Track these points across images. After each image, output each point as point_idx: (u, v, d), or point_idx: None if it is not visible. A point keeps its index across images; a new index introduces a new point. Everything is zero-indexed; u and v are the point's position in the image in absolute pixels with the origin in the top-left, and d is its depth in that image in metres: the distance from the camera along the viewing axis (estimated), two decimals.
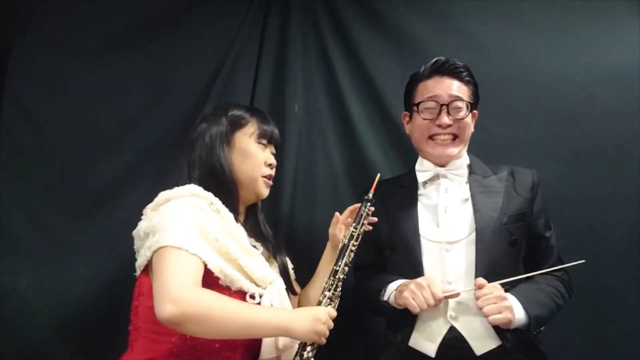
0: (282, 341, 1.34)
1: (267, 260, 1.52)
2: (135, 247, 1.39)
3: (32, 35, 1.84)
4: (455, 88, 1.55)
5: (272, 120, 1.58)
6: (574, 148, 1.89)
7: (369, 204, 1.49)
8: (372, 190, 1.50)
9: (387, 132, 1.99)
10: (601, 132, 1.89)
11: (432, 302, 1.38)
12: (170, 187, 1.40)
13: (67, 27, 1.87)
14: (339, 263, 1.43)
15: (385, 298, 1.51)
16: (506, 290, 1.41)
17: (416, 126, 1.61)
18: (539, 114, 1.93)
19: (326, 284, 1.42)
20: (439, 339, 1.43)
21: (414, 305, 1.40)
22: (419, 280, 1.43)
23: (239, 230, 1.41)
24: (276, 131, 1.57)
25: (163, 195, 1.37)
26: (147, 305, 1.26)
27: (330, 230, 1.60)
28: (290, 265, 1.62)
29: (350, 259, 1.45)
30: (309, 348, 1.32)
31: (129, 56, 1.93)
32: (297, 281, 1.65)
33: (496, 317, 1.35)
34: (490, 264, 1.44)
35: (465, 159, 1.61)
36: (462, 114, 1.55)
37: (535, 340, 1.49)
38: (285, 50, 2.03)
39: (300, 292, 1.62)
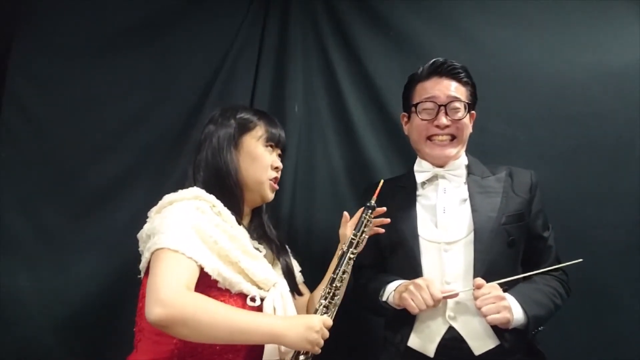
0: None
1: (272, 262, 1.52)
2: (140, 249, 1.40)
3: (32, 35, 1.84)
4: (453, 89, 1.55)
5: (279, 124, 1.58)
6: (574, 148, 1.89)
7: (370, 211, 1.47)
8: (374, 197, 1.48)
9: (387, 132, 1.99)
10: (601, 132, 1.89)
11: (431, 302, 1.38)
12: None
13: (67, 27, 1.87)
14: (337, 271, 1.42)
15: (384, 298, 1.51)
16: (505, 291, 1.41)
17: (414, 127, 1.61)
18: (538, 114, 1.93)
19: (323, 291, 1.41)
20: (438, 339, 1.43)
21: (413, 306, 1.40)
22: (418, 281, 1.43)
23: (241, 233, 1.40)
24: (283, 134, 1.57)
25: (167, 198, 1.38)
26: None
27: (341, 231, 1.58)
28: (297, 268, 1.62)
29: (349, 267, 1.44)
30: (302, 357, 1.31)
31: (129, 56, 1.93)
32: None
33: (495, 317, 1.35)
34: (489, 264, 1.44)
35: (463, 160, 1.61)
36: (460, 114, 1.55)
37: (534, 340, 1.49)
38: (285, 51, 2.03)
39: (309, 296, 1.61)
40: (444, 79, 1.56)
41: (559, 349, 1.60)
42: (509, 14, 1.99)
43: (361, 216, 1.48)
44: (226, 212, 1.39)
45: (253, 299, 1.33)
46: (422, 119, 1.57)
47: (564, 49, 1.95)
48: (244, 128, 1.51)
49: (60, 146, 1.84)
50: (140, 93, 1.93)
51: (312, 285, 1.63)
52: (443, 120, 1.54)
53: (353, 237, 1.45)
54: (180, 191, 1.38)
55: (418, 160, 1.66)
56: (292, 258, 1.61)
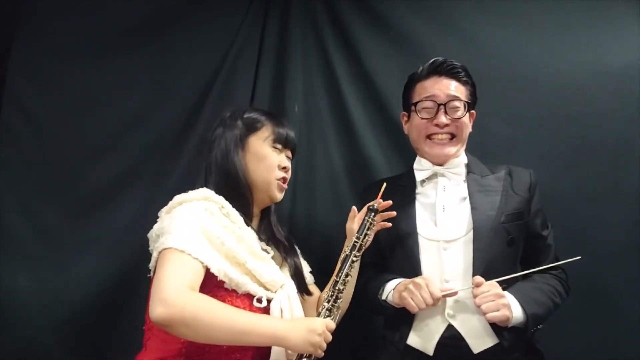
0: None
1: (281, 263, 1.52)
2: (150, 248, 1.40)
3: (32, 35, 1.84)
4: (452, 88, 1.56)
5: (288, 124, 1.58)
6: (574, 148, 1.89)
7: (373, 213, 1.47)
8: (378, 200, 1.47)
9: (387, 132, 1.99)
10: (601, 132, 1.89)
11: (430, 301, 1.39)
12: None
13: (67, 27, 1.87)
14: (340, 274, 1.41)
15: (383, 297, 1.52)
16: (504, 289, 1.41)
17: (414, 126, 1.62)
18: (538, 114, 1.93)
19: (326, 294, 1.41)
20: (437, 337, 1.43)
21: (412, 305, 1.40)
22: (417, 279, 1.43)
23: (249, 234, 1.41)
24: (292, 135, 1.57)
25: (177, 198, 1.40)
26: None
27: (348, 225, 1.56)
28: (307, 268, 1.62)
29: (352, 270, 1.43)
30: None
31: (129, 56, 1.93)
32: None
33: (494, 315, 1.36)
34: (488, 263, 1.44)
35: (463, 158, 1.61)
36: (459, 113, 1.56)
37: (533, 339, 1.49)
38: (285, 50, 2.03)
39: (318, 296, 1.60)
40: (444, 78, 1.57)
41: (558, 348, 1.60)
42: (509, 13, 2.00)
43: (364, 219, 1.47)
44: (235, 214, 1.40)
45: (259, 300, 1.34)
46: (422, 118, 1.58)
47: (564, 49, 1.95)
48: (251, 129, 1.51)
49: (60, 146, 1.83)
50: (140, 93, 1.93)
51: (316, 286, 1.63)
52: (442, 119, 1.55)
53: (356, 240, 1.45)
54: (190, 192, 1.40)
55: (418, 158, 1.66)
56: (301, 259, 1.61)
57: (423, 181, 1.61)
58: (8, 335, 1.70)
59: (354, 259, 1.43)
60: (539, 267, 1.49)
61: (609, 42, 1.94)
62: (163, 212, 1.41)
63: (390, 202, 1.50)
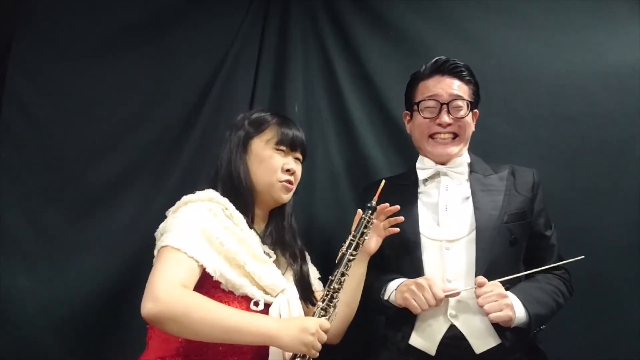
0: None
1: (286, 268, 1.51)
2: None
3: (32, 35, 1.84)
4: (455, 87, 1.55)
5: (296, 126, 1.57)
6: (574, 148, 1.89)
7: (370, 211, 1.43)
8: (375, 198, 1.43)
9: (387, 131, 1.99)
10: (601, 132, 1.89)
11: (433, 302, 1.39)
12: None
13: (67, 27, 1.87)
14: (335, 273, 1.38)
15: (385, 297, 1.51)
16: (506, 289, 1.41)
17: (417, 125, 1.61)
18: (539, 114, 1.93)
19: (321, 293, 1.39)
20: (439, 337, 1.43)
21: (415, 306, 1.40)
22: (420, 280, 1.43)
23: (251, 236, 1.40)
24: (299, 136, 1.54)
25: (184, 198, 1.41)
26: None
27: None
28: (315, 274, 1.61)
29: (348, 269, 1.40)
30: None
31: (129, 56, 1.92)
32: None
33: (497, 315, 1.36)
34: (491, 263, 1.44)
35: (465, 158, 1.61)
36: (462, 112, 1.55)
37: (535, 339, 1.49)
38: (285, 50, 2.03)
39: None
40: (447, 77, 1.56)
41: (559, 348, 1.60)
42: (510, 13, 2.00)
43: (361, 217, 1.44)
44: (238, 215, 1.40)
45: (256, 303, 1.33)
46: (425, 117, 1.57)
47: (564, 49, 1.95)
48: (255, 131, 1.51)
49: (60, 146, 1.83)
50: (140, 93, 1.93)
51: None
52: (445, 118, 1.54)
53: (352, 238, 1.42)
54: (197, 192, 1.41)
55: (420, 157, 1.66)
56: (310, 266, 1.59)
57: (425, 180, 1.61)
58: (8, 335, 1.70)
59: (350, 257, 1.40)
60: (541, 267, 1.49)
61: (609, 42, 1.94)
62: (170, 212, 1.42)
63: (398, 207, 1.47)
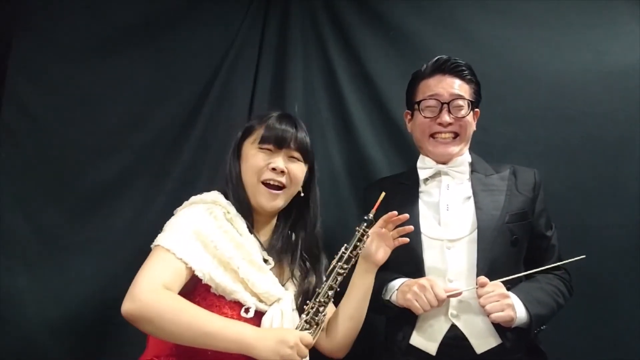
0: None
1: (288, 278, 1.47)
2: None
3: (32, 35, 1.83)
4: (456, 86, 1.55)
5: (293, 122, 1.48)
6: (574, 147, 1.89)
7: (365, 224, 1.34)
8: (373, 210, 1.35)
9: (387, 131, 1.99)
10: (601, 131, 1.89)
11: (435, 303, 1.38)
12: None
13: (67, 27, 1.86)
14: (323, 286, 1.32)
15: (386, 297, 1.51)
16: (507, 289, 1.41)
17: (417, 124, 1.61)
18: (539, 114, 1.93)
19: (307, 305, 1.33)
20: (440, 337, 1.43)
21: (417, 307, 1.40)
22: (422, 281, 1.42)
23: (250, 242, 1.38)
24: (290, 132, 1.44)
25: (192, 198, 1.42)
26: None
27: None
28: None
29: (337, 282, 1.33)
30: None
31: (129, 56, 1.92)
32: None
33: (498, 315, 1.36)
34: (492, 263, 1.44)
35: (467, 157, 1.61)
36: (463, 112, 1.55)
37: (536, 340, 1.49)
38: (285, 50, 2.03)
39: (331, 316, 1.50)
40: (448, 77, 1.56)
41: (560, 348, 1.60)
42: (510, 13, 2.00)
43: (355, 229, 1.35)
44: (238, 220, 1.39)
45: (247, 310, 1.31)
46: (425, 117, 1.57)
47: (564, 49, 1.96)
48: (245, 133, 1.51)
49: (60, 146, 1.83)
50: (140, 93, 1.92)
51: None
52: (446, 118, 1.54)
53: (344, 250, 1.34)
54: (204, 193, 1.42)
55: (421, 157, 1.66)
56: (315, 279, 1.50)
57: (426, 179, 1.61)
58: (8, 335, 1.69)
59: (340, 271, 1.32)
60: (542, 267, 1.49)
61: (609, 42, 1.94)
62: (177, 210, 1.43)
63: (407, 216, 1.41)
